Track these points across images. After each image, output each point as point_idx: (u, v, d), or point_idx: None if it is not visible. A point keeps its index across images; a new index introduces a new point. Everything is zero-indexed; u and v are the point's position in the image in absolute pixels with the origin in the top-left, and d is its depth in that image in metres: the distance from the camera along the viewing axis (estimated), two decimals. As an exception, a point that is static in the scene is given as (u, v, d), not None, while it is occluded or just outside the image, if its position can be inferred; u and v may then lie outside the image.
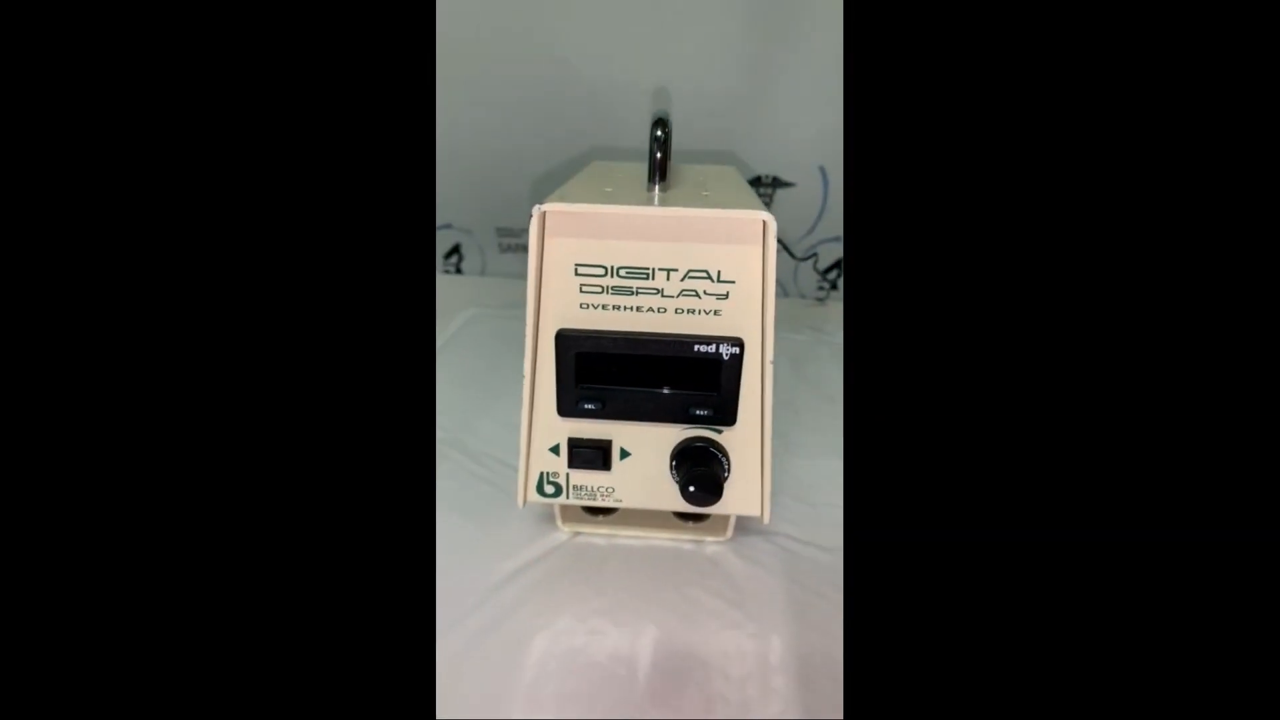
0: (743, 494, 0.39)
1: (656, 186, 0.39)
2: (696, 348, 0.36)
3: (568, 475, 0.40)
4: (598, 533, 0.45)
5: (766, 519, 0.40)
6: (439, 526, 0.44)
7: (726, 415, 0.38)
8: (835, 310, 0.87)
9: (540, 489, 0.40)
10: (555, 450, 0.40)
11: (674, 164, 0.40)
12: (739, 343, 0.36)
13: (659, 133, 0.38)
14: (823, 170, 0.82)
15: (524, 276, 0.37)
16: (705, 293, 0.36)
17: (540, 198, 0.36)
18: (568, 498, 0.41)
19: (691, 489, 0.36)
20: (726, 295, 0.36)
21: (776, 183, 0.83)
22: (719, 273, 0.36)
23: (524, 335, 0.38)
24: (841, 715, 0.32)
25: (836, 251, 0.87)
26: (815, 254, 0.86)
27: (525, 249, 0.89)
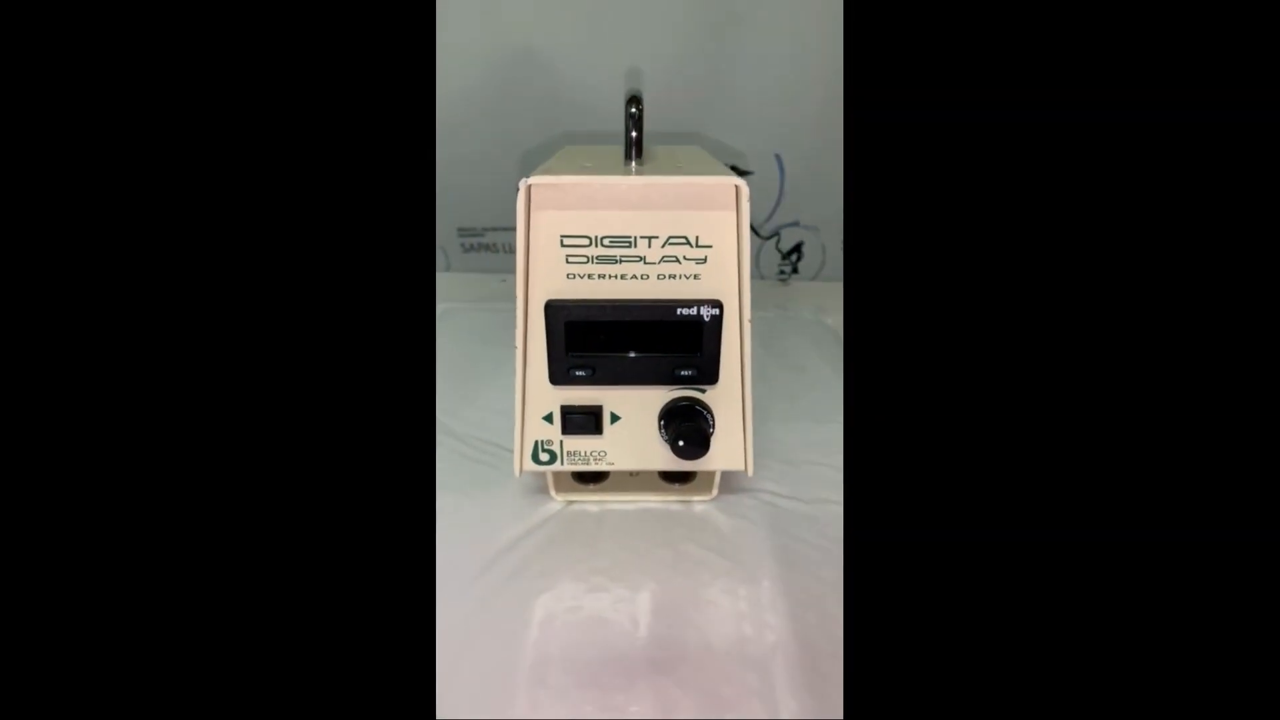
0: (727, 449, 0.41)
1: (633, 161, 0.41)
2: (679, 311, 0.39)
3: (561, 442, 0.42)
4: (590, 500, 0.46)
5: (750, 471, 0.42)
6: (437, 506, 0.45)
7: (709, 374, 0.40)
8: (796, 289, 0.90)
9: (536, 457, 0.42)
10: (549, 419, 0.41)
11: (645, 145, 0.42)
12: (718, 304, 0.39)
13: (633, 109, 0.41)
14: (779, 157, 0.85)
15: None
16: (685, 258, 0.38)
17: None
18: (562, 464, 0.42)
19: (681, 444, 0.38)
20: (705, 259, 0.38)
21: (735, 170, 0.86)
22: (697, 238, 0.38)
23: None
24: (840, 705, 0.33)
25: (796, 235, 0.90)
26: (779, 234, 0.90)
27: (487, 248, 0.91)
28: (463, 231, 0.91)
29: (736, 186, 0.37)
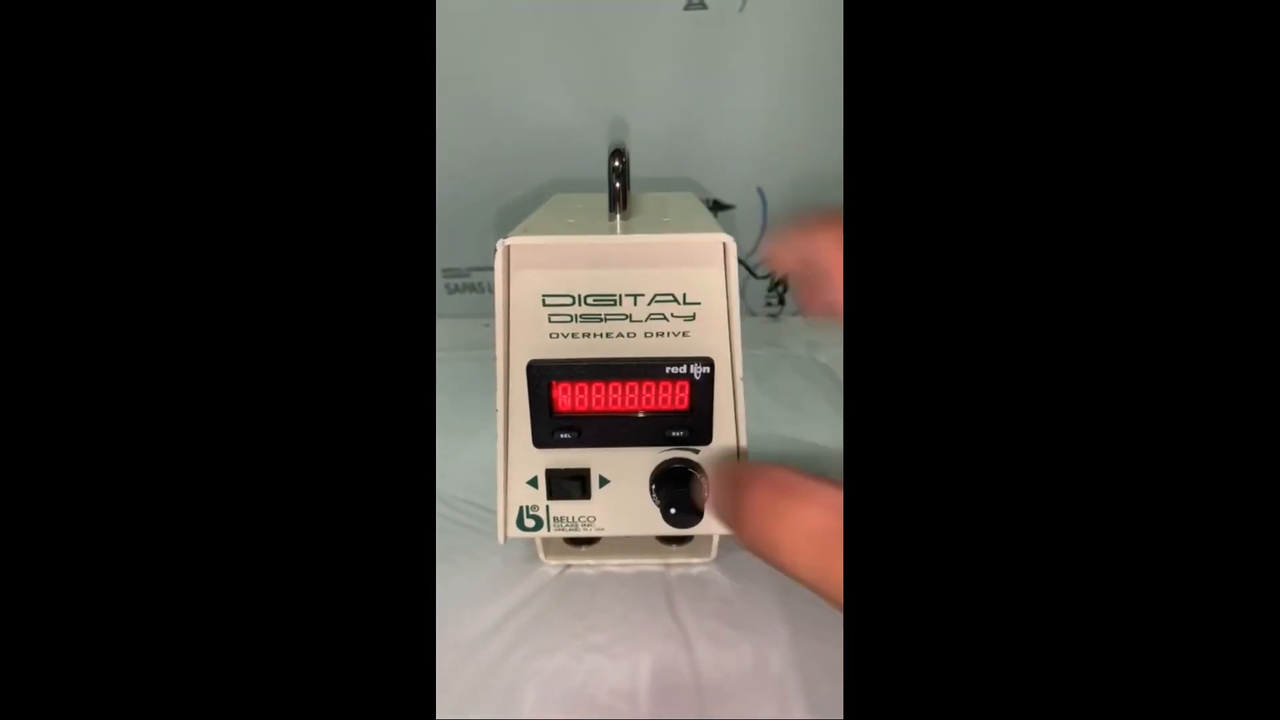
0: (725, 511, 0.39)
1: (618, 215, 0.40)
2: (668, 370, 0.37)
3: (547, 507, 0.39)
4: (582, 564, 0.44)
5: (750, 533, 0.40)
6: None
7: (702, 435, 0.38)
8: (787, 325, 0.89)
9: (520, 524, 0.40)
10: (533, 483, 0.39)
11: (633, 193, 0.41)
12: (709, 362, 0.37)
13: (616, 163, 0.39)
14: (761, 191, 0.85)
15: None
16: (672, 315, 0.37)
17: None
18: (549, 530, 0.40)
19: (673, 511, 0.36)
20: (693, 316, 0.37)
21: (717, 205, 0.85)
22: (684, 295, 0.36)
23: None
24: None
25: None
26: (771, 272, 0.89)
27: (473, 289, 0.90)
28: (448, 272, 0.90)
29: (724, 243, 0.36)
